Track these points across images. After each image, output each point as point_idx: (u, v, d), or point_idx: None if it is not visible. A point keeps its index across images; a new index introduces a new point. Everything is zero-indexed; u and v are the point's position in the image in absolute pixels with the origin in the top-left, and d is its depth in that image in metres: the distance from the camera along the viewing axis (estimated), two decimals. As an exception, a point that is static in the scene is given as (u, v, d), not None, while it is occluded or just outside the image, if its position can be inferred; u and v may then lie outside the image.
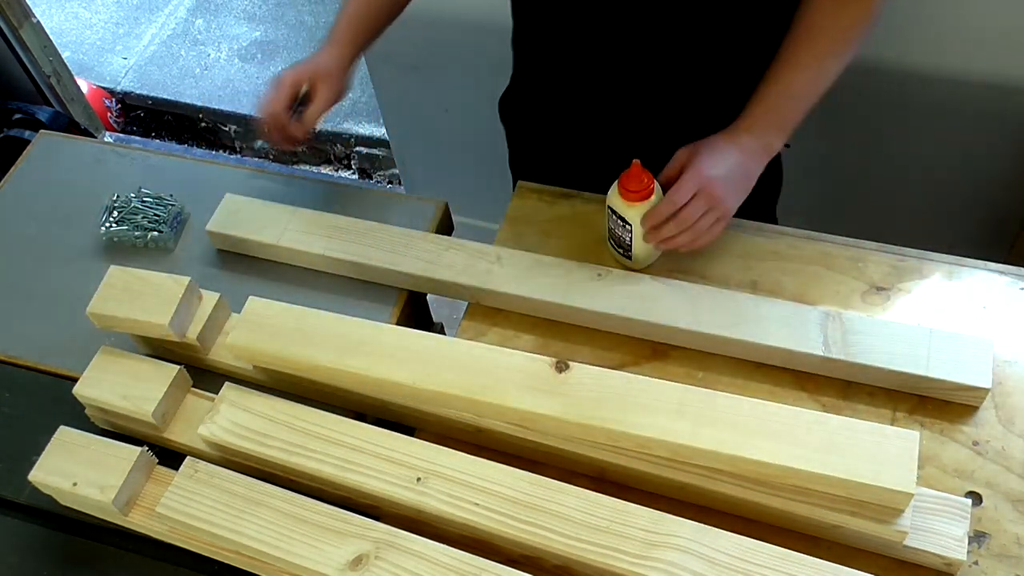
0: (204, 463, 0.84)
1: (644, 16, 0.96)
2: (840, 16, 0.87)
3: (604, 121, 1.09)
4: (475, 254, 1.00)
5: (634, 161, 0.91)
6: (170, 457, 0.90)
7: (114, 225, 1.10)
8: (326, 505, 0.81)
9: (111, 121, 2.71)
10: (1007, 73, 1.29)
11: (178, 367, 0.91)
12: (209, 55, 2.82)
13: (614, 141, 1.05)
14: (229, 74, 2.75)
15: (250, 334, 0.91)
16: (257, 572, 0.81)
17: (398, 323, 1.00)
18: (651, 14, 0.95)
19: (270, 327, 0.91)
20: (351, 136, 2.56)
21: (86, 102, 2.45)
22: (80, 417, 0.94)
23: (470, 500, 0.79)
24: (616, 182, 0.93)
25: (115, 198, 1.12)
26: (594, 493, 0.79)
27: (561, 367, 0.84)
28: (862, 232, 1.05)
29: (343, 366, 0.87)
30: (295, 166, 2.68)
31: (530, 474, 0.80)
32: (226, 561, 0.82)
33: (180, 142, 2.77)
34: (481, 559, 0.76)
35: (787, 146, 1.15)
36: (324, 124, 2.59)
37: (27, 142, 1.26)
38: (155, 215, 1.10)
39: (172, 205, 1.11)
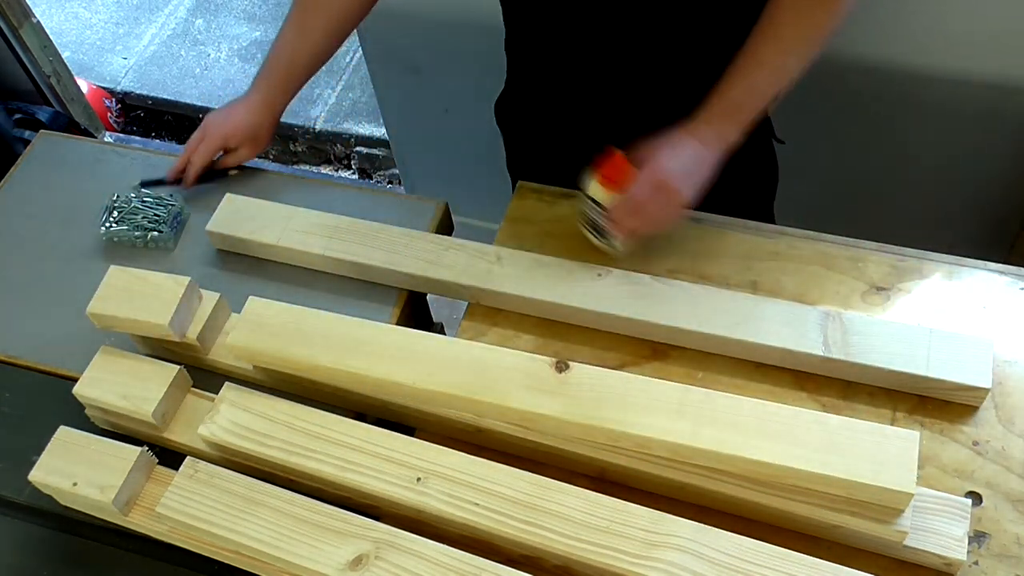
0: (204, 463, 0.84)
1: (632, 19, 0.96)
2: (803, 15, 0.88)
3: (597, 121, 1.09)
4: (475, 254, 1.00)
5: (613, 150, 0.93)
6: (170, 457, 0.89)
7: (114, 225, 1.10)
8: (326, 505, 0.81)
9: (111, 121, 2.71)
10: (1007, 73, 1.29)
11: (178, 367, 0.91)
12: (209, 55, 2.82)
13: (608, 141, 1.06)
14: (229, 74, 2.75)
15: (250, 334, 0.91)
16: (257, 572, 0.81)
17: (398, 323, 1.00)
18: (638, 18, 0.96)
19: (270, 327, 0.91)
20: (351, 136, 2.56)
21: (86, 102, 2.45)
22: (80, 417, 0.94)
23: (470, 500, 0.79)
24: (592, 169, 0.94)
25: (115, 198, 1.11)
26: (594, 493, 0.79)
27: (561, 367, 0.84)
28: (862, 232, 1.05)
29: (343, 366, 0.87)
30: (295, 166, 2.68)
31: (530, 474, 0.80)
32: (226, 561, 0.82)
33: (180, 142, 2.77)
34: (481, 559, 0.76)
35: (781, 142, 1.15)
36: (324, 124, 2.60)
37: (27, 142, 1.26)
38: (155, 215, 1.10)
39: (172, 205, 1.11)
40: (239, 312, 0.95)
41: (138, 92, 2.74)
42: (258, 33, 2.85)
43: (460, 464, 0.82)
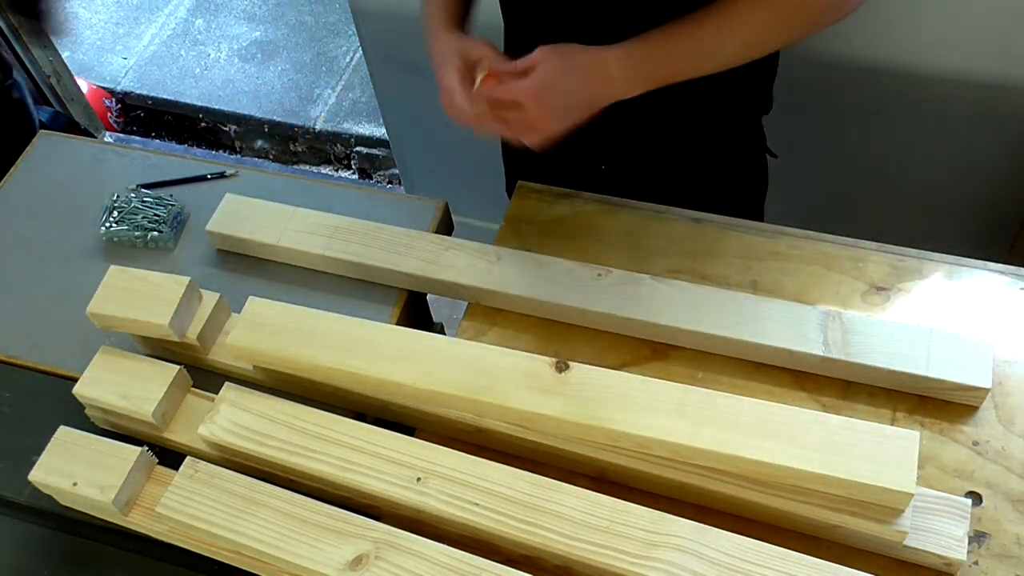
0: (204, 463, 0.84)
1: (631, 17, 0.96)
2: (767, 7, 0.81)
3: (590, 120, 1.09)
4: (475, 254, 1.00)
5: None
6: (170, 457, 0.90)
7: (114, 225, 1.10)
8: (326, 505, 0.81)
9: (111, 121, 2.71)
10: (1007, 73, 1.29)
11: (178, 367, 0.91)
12: (209, 55, 2.82)
13: (604, 136, 1.06)
14: (229, 74, 2.75)
15: (250, 334, 0.91)
16: (257, 572, 0.81)
17: (398, 323, 1.00)
18: (635, 18, 0.96)
19: (270, 327, 0.91)
20: (351, 136, 2.56)
21: (86, 102, 2.46)
22: (80, 417, 0.94)
23: (470, 500, 0.79)
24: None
25: (115, 198, 1.12)
26: (594, 493, 0.79)
27: (561, 367, 0.84)
28: (862, 232, 1.05)
29: (343, 366, 0.87)
30: (295, 166, 2.68)
31: (530, 474, 0.80)
32: (226, 561, 0.82)
33: (180, 142, 2.77)
34: (481, 559, 0.76)
35: (774, 156, 1.15)
36: (324, 124, 2.60)
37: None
38: (155, 215, 1.10)
39: (172, 205, 1.11)
40: (239, 312, 0.95)
41: (138, 92, 2.75)
42: (258, 33, 2.85)
43: (460, 464, 0.82)
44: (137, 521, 0.85)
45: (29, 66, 2.21)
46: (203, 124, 2.73)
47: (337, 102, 2.64)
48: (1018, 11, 1.22)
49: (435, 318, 1.16)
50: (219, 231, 1.06)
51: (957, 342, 0.88)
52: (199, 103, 2.69)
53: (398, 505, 0.81)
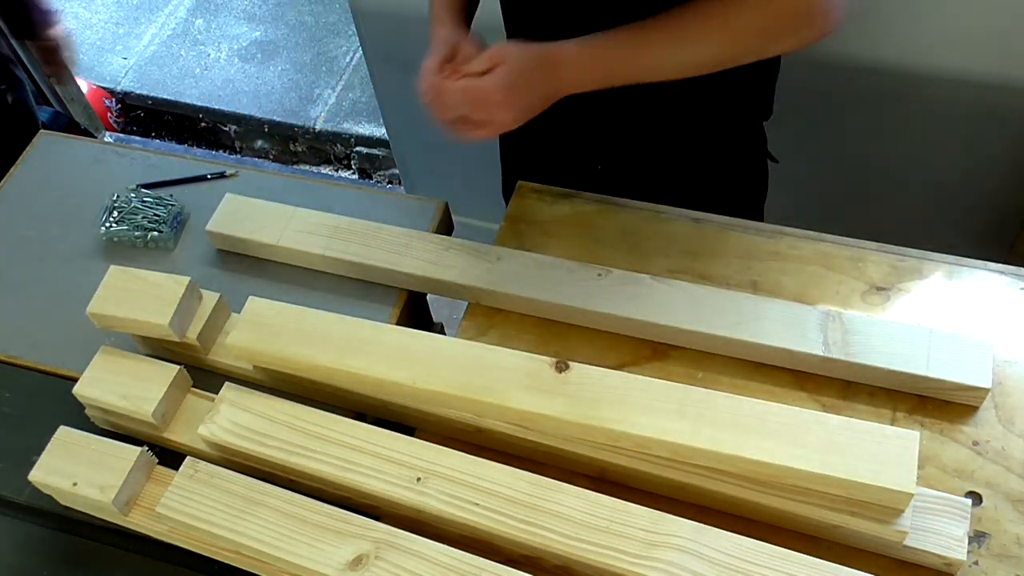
0: (204, 463, 0.84)
1: (628, 17, 0.96)
2: (730, 15, 0.80)
3: (591, 118, 1.09)
4: (475, 254, 1.00)
5: None
6: (170, 457, 0.90)
7: (114, 225, 1.10)
8: (326, 505, 0.81)
9: (111, 121, 2.71)
10: (1007, 73, 1.29)
11: (178, 367, 0.91)
12: (209, 55, 2.82)
13: (601, 136, 1.06)
14: (229, 74, 2.75)
15: (250, 334, 0.91)
16: (257, 572, 0.81)
17: (398, 323, 1.00)
18: (635, 15, 0.96)
19: (270, 327, 0.91)
20: (351, 136, 2.57)
21: (86, 102, 2.45)
22: (80, 417, 0.94)
23: (470, 500, 0.79)
24: None
25: (115, 198, 1.12)
26: (594, 493, 0.79)
27: (561, 367, 0.84)
28: (862, 232, 1.05)
29: (343, 366, 0.87)
30: (295, 166, 2.68)
31: (530, 474, 0.80)
32: (226, 561, 0.82)
33: (180, 142, 2.77)
34: (481, 559, 0.76)
35: (775, 161, 1.15)
36: (324, 124, 2.60)
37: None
38: (155, 215, 1.10)
39: (172, 205, 1.11)
40: (239, 312, 0.95)
41: (138, 92, 2.75)
42: (258, 33, 2.85)
43: (460, 464, 0.82)
44: (137, 521, 0.85)
45: (29, 66, 2.21)
46: (203, 124, 2.73)
47: (337, 102, 2.64)
48: (1018, 11, 1.22)
49: (435, 318, 1.16)
50: (219, 231, 1.06)
51: (957, 342, 0.88)
52: (199, 103, 2.69)
53: (398, 505, 0.81)
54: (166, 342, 0.95)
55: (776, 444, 0.77)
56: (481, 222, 1.51)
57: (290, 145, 2.67)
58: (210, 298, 0.96)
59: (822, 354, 0.88)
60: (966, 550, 0.76)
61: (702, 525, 0.76)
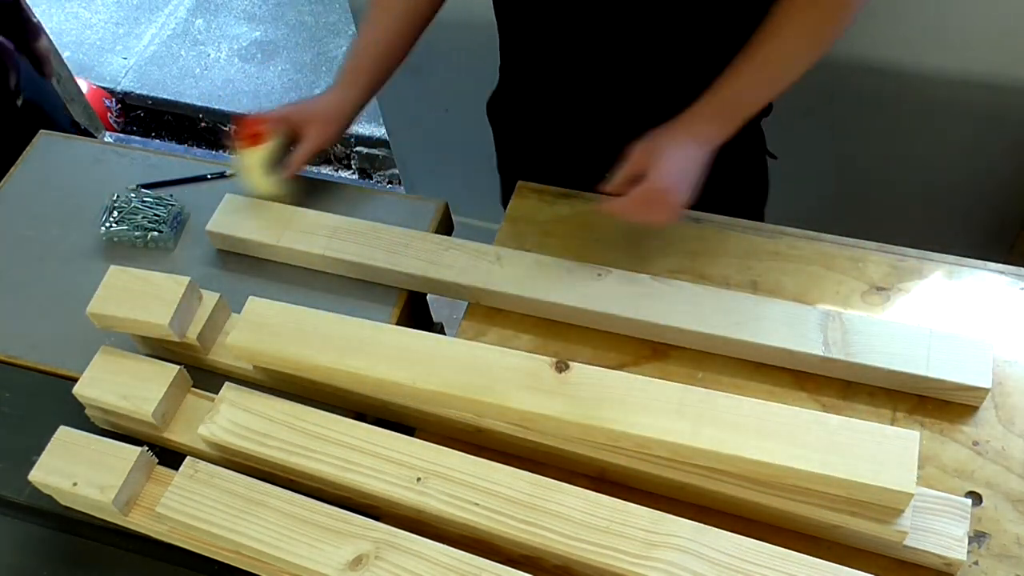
0: (204, 463, 0.84)
1: (627, 18, 0.96)
2: (807, 20, 0.87)
3: (590, 120, 1.09)
4: (475, 254, 1.00)
5: (247, 114, 1.00)
6: (170, 457, 0.89)
7: (114, 225, 1.10)
8: (326, 505, 0.81)
9: (111, 121, 2.71)
10: (1007, 73, 1.29)
11: (178, 367, 0.91)
12: (209, 55, 2.82)
13: (600, 138, 1.06)
14: (229, 74, 2.75)
15: (250, 334, 0.91)
16: (257, 572, 0.81)
17: (398, 323, 1.00)
18: (634, 17, 0.96)
19: (270, 327, 0.91)
20: (351, 136, 2.56)
21: (86, 102, 2.45)
22: (80, 417, 0.94)
23: (470, 500, 0.79)
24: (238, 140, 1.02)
25: (115, 198, 1.12)
26: (594, 493, 0.79)
27: (561, 367, 0.84)
28: (862, 232, 1.05)
29: (343, 366, 0.87)
30: (295, 166, 2.68)
31: (530, 474, 0.80)
32: (226, 561, 0.82)
33: (180, 142, 2.77)
34: (481, 559, 0.76)
35: (774, 157, 1.15)
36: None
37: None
38: (155, 215, 1.10)
39: (172, 205, 1.11)
40: (239, 312, 0.95)
41: (138, 92, 2.75)
42: (258, 33, 2.85)
43: (460, 464, 0.82)
44: (137, 521, 0.85)
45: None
46: (203, 124, 2.73)
47: (337, 102, 2.64)
48: (1018, 11, 1.22)
49: (435, 318, 1.16)
50: (219, 231, 1.06)
51: (957, 342, 0.88)
52: (199, 103, 2.69)
53: (398, 505, 0.81)
54: (166, 342, 0.95)
55: (776, 444, 0.77)
56: (481, 222, 1.51)
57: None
58: (210, 298, 0.96)
59: (822, 354, 0.88)
60: (966, 550, 0.76)
61: (702, 525, 0.76)
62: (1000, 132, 1.37)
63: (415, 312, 1.07)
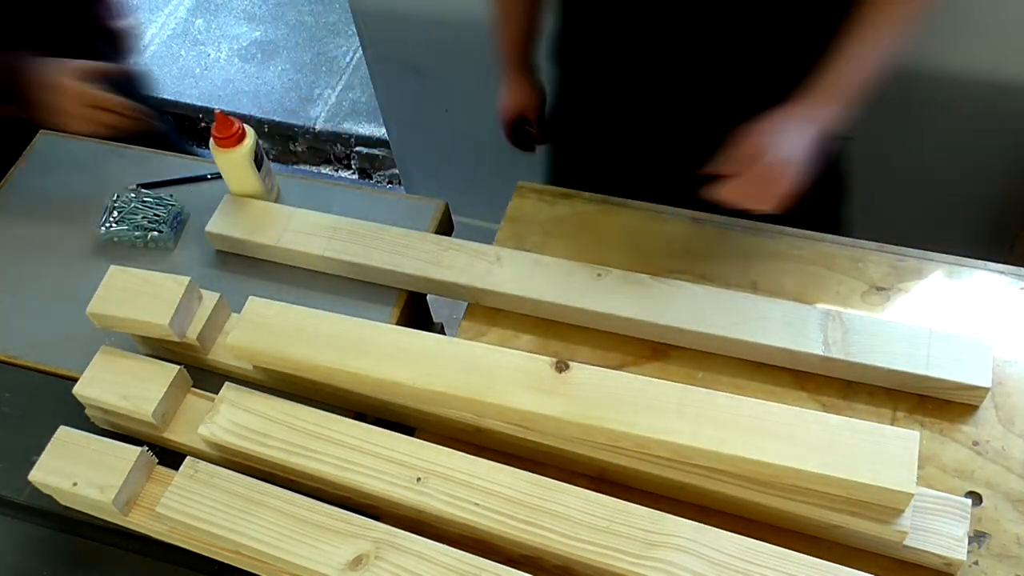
0: (204, 463, 0.84)
1: (691, 18, 0.95)
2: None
3: (651, 121, 1.07)
4: (475, 254, 1.00)
5: (217, 112, 1.02)
6: (170, 457, 0.90)
7: (114, 225, 1.10)
8: (326, 505, 0.81)
9: (111, 121, 2.70)
10: (1007, 73, 1.29)
11: (178, 367, 0.91)
12: (209, 55, 2.82)
13: (661, 140, 1.05)
14: (229, 74, 2.75)
15: (250, 334, 0.91)
16: (257, 572, 0.81)
17: (398, 323, 1.00)
18: (698, 17, 0.95)
19: (270, 327, 0.91)
20: (351, 136, 2.56)
21: (86, 102, 2.45)
22: (80, 417, 0.94)
23: (470, 500, 0.79)
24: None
25: (115, 198, 1.12)
26: (594, 493, 0.79)
27: (561, 367, 0.84)
28: (862, 232, 1.05)
29: (343, 366, 0.87)
30: (295, 166, 2.68)
31: (530, 474, 0.80)
32: (226, 561, 0.82)
33: (180, 142, 2.77)
34: (481, 559, 0.76)
35: (847, 139, 1.13)
36: (324, 124, 2.60)
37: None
38: (155, 215, 1.10)
39: (172, 205, 1.11)
40: (239, 312, 0.95)
41: (138, 92, 2.74)
42: (258, 33, 2.85)
43: (460, 464, 0.82)
44: (137, 521, 0.85)
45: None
46: (203, 124, 2.73)
47: (337, 102, 2.64)
48: (1018, 11, 1.22)
49: (435, 318, 1.16)
50: (219, 232, 1.06)
51: (957, 342, 0.88)
52: (199, 103, 2.69)
53: (398, 505, 0.81)
54: (166, 342, 0.95)
55: (776, 444, 0.77)
56: (481, 222, 1.50)
57: (290, 145, 2.67)
58: (210, 298, 0.96)
59: (822, 354, 0.88)
60: (966, 550, 0.76)
61: (702, 525, 0.76)
62: (1000, 132, 1.37)
63: (415, 312, 1.07)
